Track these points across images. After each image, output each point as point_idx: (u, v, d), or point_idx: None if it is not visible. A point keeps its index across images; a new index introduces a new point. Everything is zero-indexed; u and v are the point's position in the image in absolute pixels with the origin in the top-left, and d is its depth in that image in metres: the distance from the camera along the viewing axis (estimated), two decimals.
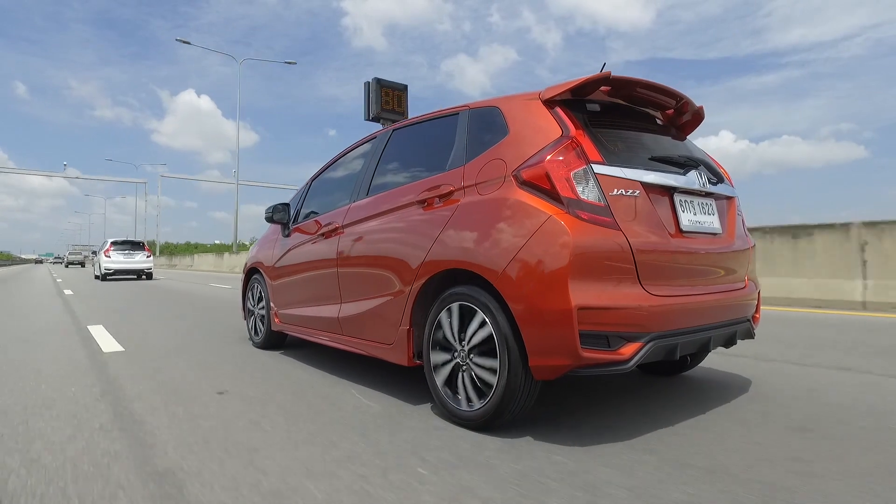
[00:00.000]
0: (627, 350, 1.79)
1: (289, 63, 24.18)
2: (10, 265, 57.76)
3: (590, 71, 2.14)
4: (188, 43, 23.93)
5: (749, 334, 2.39)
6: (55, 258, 73.28)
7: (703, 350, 2.14)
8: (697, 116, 2.54)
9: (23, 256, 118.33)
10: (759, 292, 2.56)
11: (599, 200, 1.82)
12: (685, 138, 2.56)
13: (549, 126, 1.97)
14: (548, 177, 1.84)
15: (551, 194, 1.83)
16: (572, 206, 1.80)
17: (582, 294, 1.71)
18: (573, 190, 1.81)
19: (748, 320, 2.38)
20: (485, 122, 2.24)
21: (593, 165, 1.85)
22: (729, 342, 2.28)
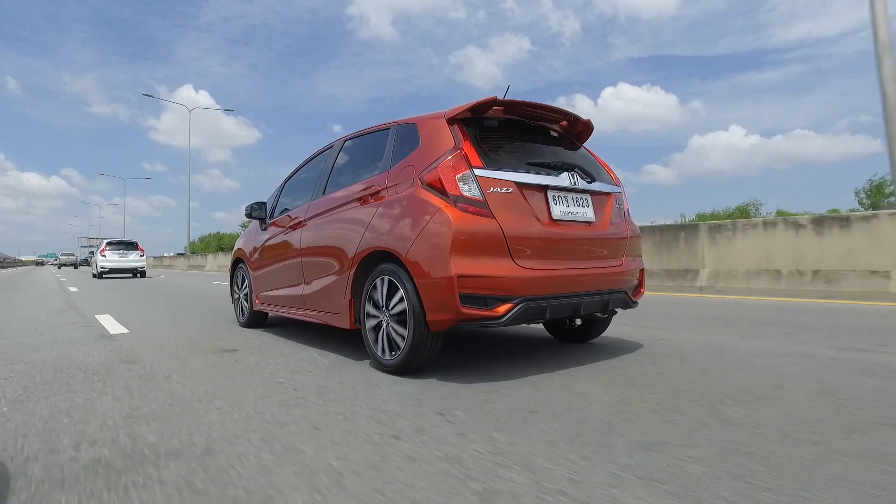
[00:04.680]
0: (501, 309, 2.38)
1: (227, 111, 33.97)
2: None
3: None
4: (150, 96, 29.30)
5: (626, 304, 2.97)
6: (55, 260, 73.64)
7: (575, 313, 2.71)
8: (588, 127, 3.13)
9: (22, 259, 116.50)
10: (641, 270, 3.14)
11: (479, 196, 2.42)
12: (580, 146, 3.15)
13: (446, 140, 2.57)
14: (440, 179, 2.44)
15: (442, 192, 2.43)
16: (457, 201, 2.40)
17: (461, 265, 2.31)
18: (458, 188, 2.41)
19: (624, 292, 2.95)
20: (406, 136, 2.84)
21: (475, 170, 2.45)
22: (604, 309, 2.86)
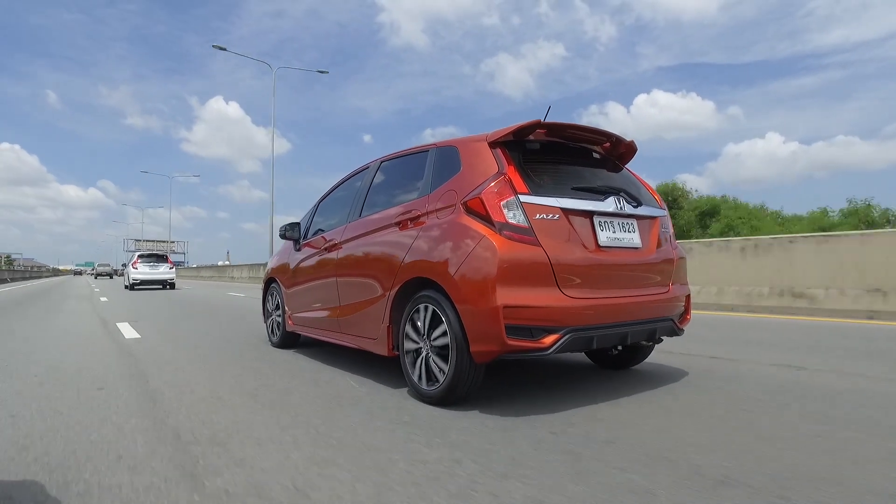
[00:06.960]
0: (548, 340, 2.29)
1: (321, 72, 25.53)
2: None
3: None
4: (224, 49, 22.56)
5: (672, 332, 2.84)
6: (92, 269, 75.77)
7: (622, 343, 2.60)
8: (630, 149, 3.03)
9: (59, 268, 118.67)
10: (687, 296, 3.01)
11: (524, 223, 2.34)
12: (622, 168, 3.05)
13: (489, 164, 2.50)
14: (484, 205, 2.38)
15: (486, 219, 2.36)
16: (503, 228, 2.32)
17: (507, 296, 2.23)
18: (503, 215, 2.34)
19: (671, 320, 2.83)
20: (446, 159, 2.78)
21: (520, 196, 2.37)
22: (650, 338, 2.75)
